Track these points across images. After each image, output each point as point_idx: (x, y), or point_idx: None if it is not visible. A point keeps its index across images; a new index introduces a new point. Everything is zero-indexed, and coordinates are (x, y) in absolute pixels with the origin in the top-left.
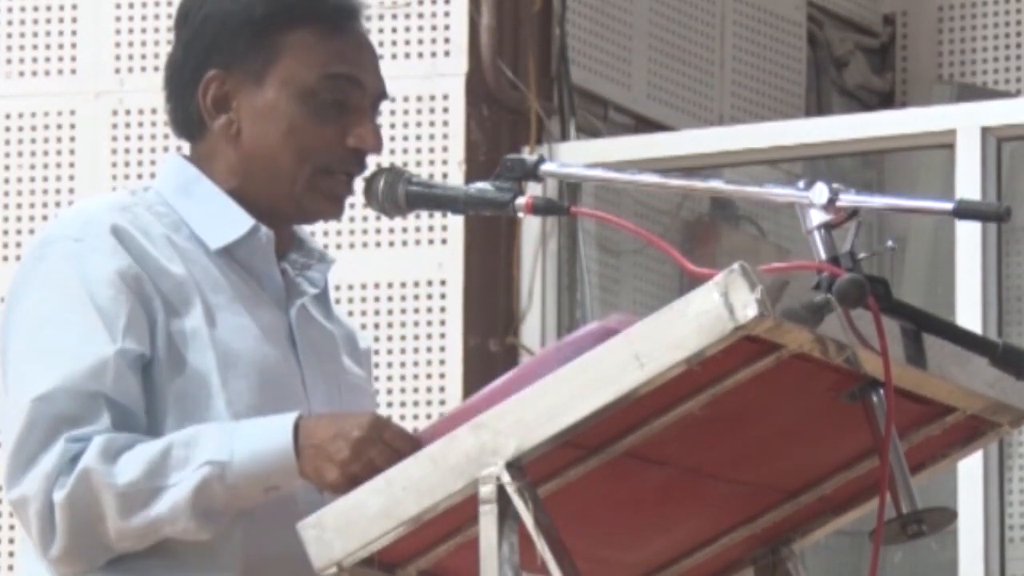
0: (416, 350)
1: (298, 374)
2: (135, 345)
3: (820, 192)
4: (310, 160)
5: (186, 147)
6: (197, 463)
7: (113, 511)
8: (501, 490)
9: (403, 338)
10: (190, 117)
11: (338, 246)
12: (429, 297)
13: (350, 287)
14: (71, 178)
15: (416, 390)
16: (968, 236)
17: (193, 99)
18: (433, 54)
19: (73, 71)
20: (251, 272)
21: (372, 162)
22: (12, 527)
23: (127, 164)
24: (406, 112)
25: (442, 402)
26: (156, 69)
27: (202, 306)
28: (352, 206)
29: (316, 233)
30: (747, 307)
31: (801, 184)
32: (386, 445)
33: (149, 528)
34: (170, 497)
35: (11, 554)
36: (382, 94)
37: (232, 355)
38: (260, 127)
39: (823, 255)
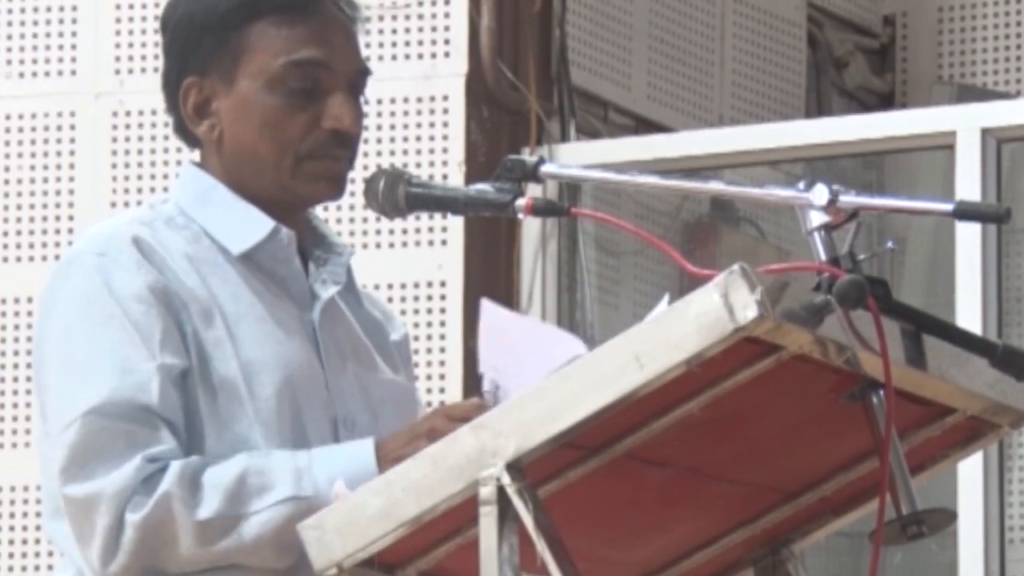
0: (416, 351)
1: (322, 377)
2: (173, 359)
3: (820, 193)
4: (290, 149)
5: (189, 151)
6: (278, 497)
7: (189, 539)
8: (501, 491)
9: None
10: (185, 126)
11: None
12: (429, 298)
13: None
14: (71, 179)
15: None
16: (968, 237)
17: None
18: (433, 55)
19: (73, 72)
20: (273, 276)
21: (372, 163)
22: (12, 528)
23: (127, 165)
24: (406, 113)
25: (442, 403)
26: (156, 70)
27: (221, 317)
28: (352, 207)
29: None
30: (747, 308)
31: (801, 185)
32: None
33: (226, 556)
34: (251, 530)
35: (11, 555)
36: (361, 71)
37: (255, 364)
38: (237, 125)
39: (823, 256)
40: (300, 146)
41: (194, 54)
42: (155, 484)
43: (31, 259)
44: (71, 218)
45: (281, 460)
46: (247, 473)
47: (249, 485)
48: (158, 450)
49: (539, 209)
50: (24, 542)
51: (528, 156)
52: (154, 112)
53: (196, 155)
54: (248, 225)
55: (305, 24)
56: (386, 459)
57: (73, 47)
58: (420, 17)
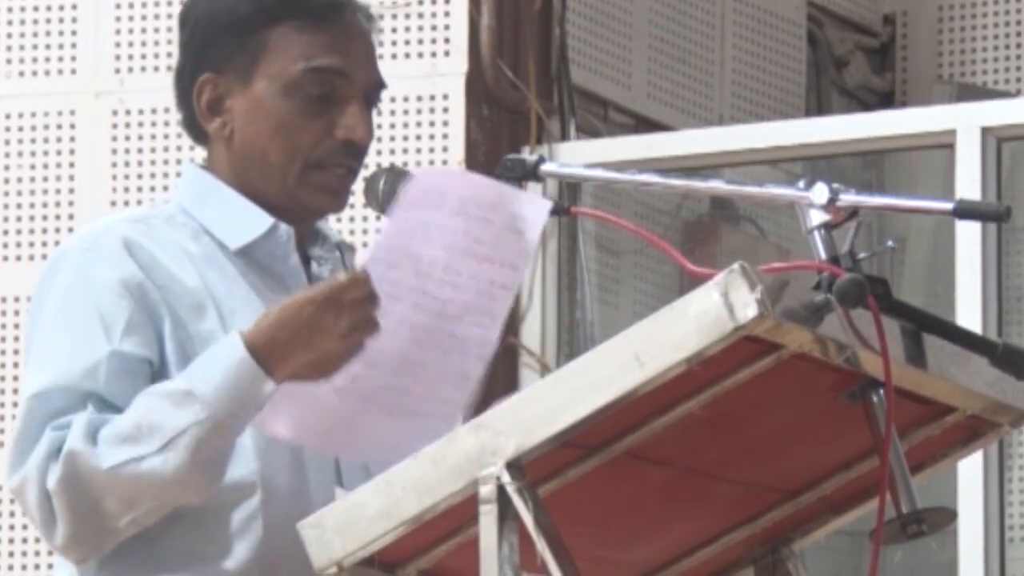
0: None
1: None
2: (135, 348)
3: (820, 192)
4: (300, 155)
5: (189, 151)
6: (180, 425)
7: (109, 490)
8: (501, 490)
9: None
10: (194, 122)
11: None
12: None
13: None
14: (71, 178)
15: None
16: (968, 236)
17: (193, 104)
18: (433, 54)
19: (73, 71)
20: (272, 272)
21: (372, 162)
22: (12, 527)
23: (127, 164)
24: (406, 112)
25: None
26: (156, 69)
27: (215, 311)
28: (352, 206)
29: None
30: (747, 307)
31: (801, 184)
32: (344, 304)
33: (156, 493)
34: (166, 465)
35: (11, 554)
36: (377, 84)
37: None
38: (250, 126)
39: (823, 255)
40: (311, 154)
41: (211, 51)
42: (61, 447)
43: (31, 258)
44: (71, 217)
45: (170, 392)
46: (142, 414)
47: (145, 425)
48: (67, 418)
49: None
50: (24, 541)
51: (528, 155)
52: (154, 111)
53: (198, 155)
54: (247, 221)
55: (327, 32)
56: (277, 365)
57: (73, 46)
58: (420, 16)
